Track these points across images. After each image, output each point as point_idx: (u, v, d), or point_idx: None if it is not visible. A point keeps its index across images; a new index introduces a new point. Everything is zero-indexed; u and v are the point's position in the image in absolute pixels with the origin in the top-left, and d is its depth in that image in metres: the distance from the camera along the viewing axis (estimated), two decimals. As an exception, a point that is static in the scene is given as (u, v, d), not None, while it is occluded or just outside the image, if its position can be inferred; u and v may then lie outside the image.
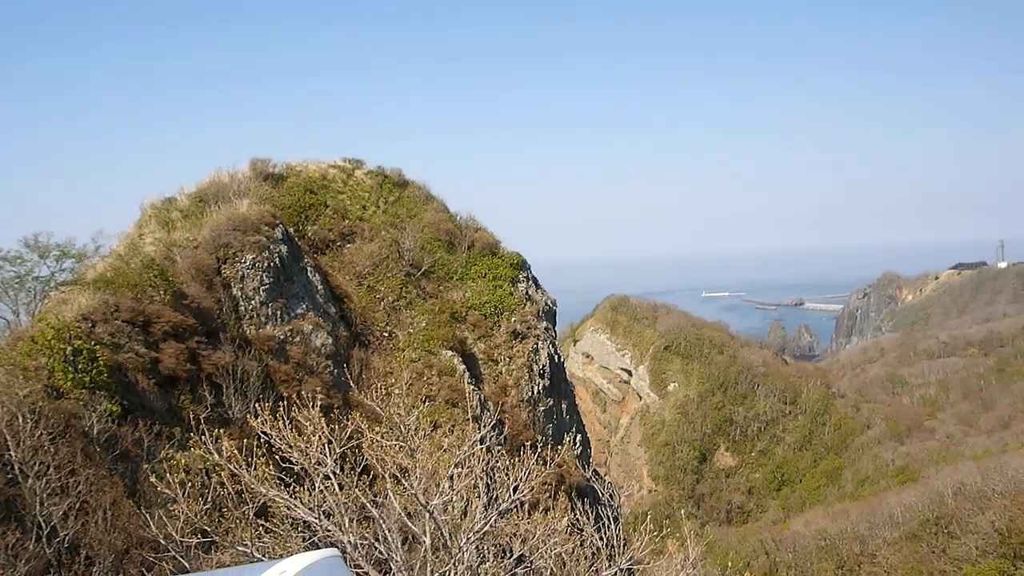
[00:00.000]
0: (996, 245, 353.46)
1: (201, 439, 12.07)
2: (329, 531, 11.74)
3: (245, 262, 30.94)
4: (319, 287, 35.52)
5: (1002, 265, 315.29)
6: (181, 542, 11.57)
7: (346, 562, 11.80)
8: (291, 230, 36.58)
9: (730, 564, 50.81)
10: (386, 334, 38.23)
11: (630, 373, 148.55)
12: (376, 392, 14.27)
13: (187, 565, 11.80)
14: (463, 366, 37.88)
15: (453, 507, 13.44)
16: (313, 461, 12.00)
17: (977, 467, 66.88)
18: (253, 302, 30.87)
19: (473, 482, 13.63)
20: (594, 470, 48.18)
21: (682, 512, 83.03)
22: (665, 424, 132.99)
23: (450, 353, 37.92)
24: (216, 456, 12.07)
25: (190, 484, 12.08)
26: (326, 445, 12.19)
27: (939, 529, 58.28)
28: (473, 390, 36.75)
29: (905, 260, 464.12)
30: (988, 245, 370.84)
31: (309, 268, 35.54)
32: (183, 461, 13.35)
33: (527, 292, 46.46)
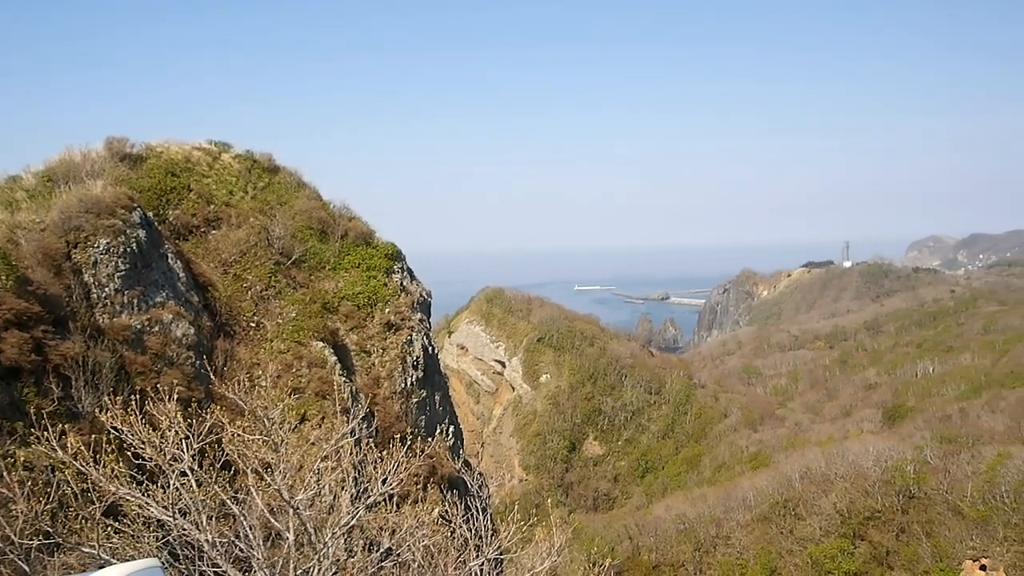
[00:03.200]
0: (842, 245, 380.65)
1: (44, 434, 11.28)
2: (185, 530, 11.22)
3: (98, 247, 29.04)
4: (181, 275, 33.84)
5: (847, 264, 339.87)
6: (21, 544, 10.76)
7: (200, 561, 11.35)
8: (150, 214, 34.63)
9: (595, 550, 52.44)
10: (253, 324, 36.90)
11: (504, 364, 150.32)
12: (240, 384, 13.76)
13: (27, 569, 10.99)
14: (334, 357, 37.09)
15: (321, 501, 13.15)
16: (168, 457, 11.43)
17: (822, 452, 71.89)
18: (107, 289, 29.03)
19: (341, 475, 13.41)
20: (465, 461, 48.41)
21: (549, 501, 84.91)
22: (537, 414, 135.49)
23: (321, 344, 37.05)
24: (60, 452, 11.31)
25: (31, 482, 11.27)
26: (183, 440, 11.64)
27: (787, 511, 62.26)
28: (344, 382, 36.08)
29: (762, 258, 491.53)
30: (835, 245, 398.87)
31: (170, 255, 33.80)
32: (23, 458, 12.43)
33: (401, 283, 46.02)
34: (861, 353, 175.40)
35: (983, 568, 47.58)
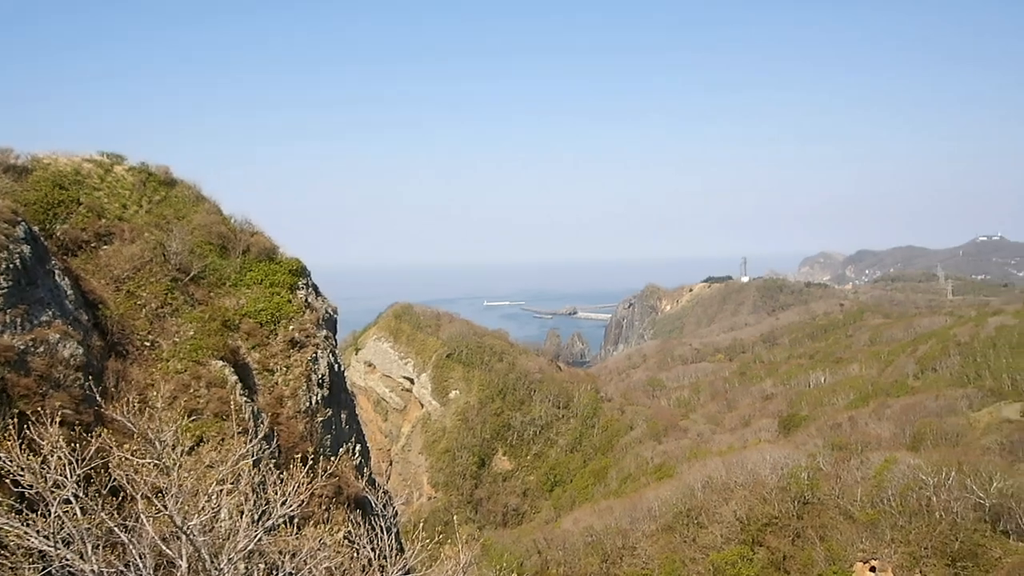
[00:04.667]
0: (740, 261, 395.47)
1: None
2: (68, 560, 10.66)
3: (-23, 263, 27.41)
4: (69, 292, 32.21)
5: (745, 279, 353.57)
6: None
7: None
8: (36, 229, 32.90)
9: (504, 565, 52.43)
10: (148, 343, 35.43)
11: (412, 381, 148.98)
12: (130, 406, 13.20)
13: None
14: (235, 377, 36.00)
15: (218, 526, 12.72)
16: (50, 483, 10.85)
17: (722, 462, 74.06)
18: (-13, 308, 27.38)
19: (239, 499, 13.02)
20: (372, 480, 47.70)
21: (455, 517, 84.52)
22: (446, 431, 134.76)
23: (221, 363, 35.90)
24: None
25: None
26: (67, 465, 11.08)
27: (690, 520, 63.86)
28: (245, 402, 35.07)
29: (665, 273, 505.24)
30: (734, 261, 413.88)
31: (57, 271, 32.15)
32: None
33: (306, 299, 45.14)
34: (759, 365, 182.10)
35: (873, 570, 50.01)
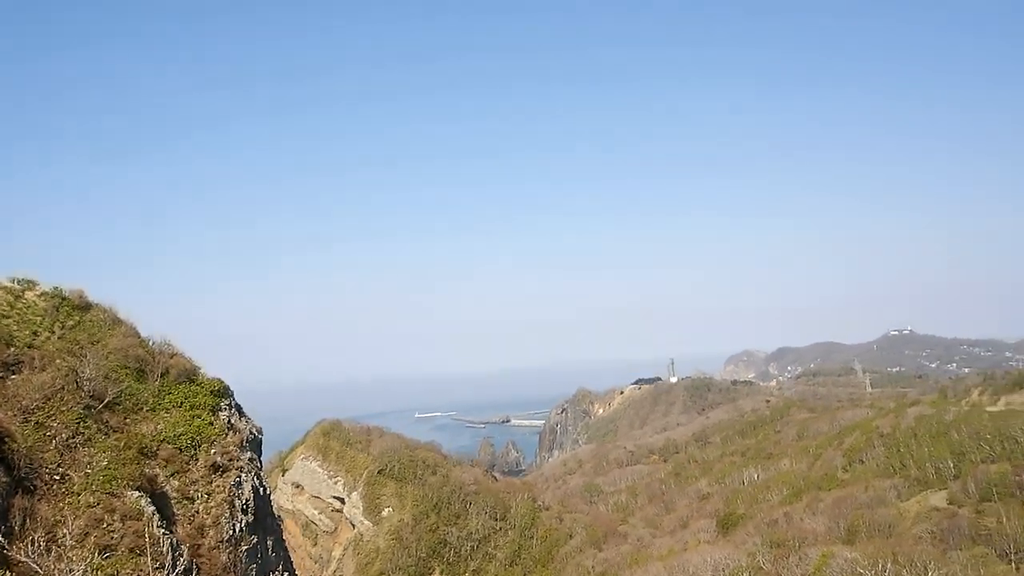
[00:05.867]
0: (668, 362, 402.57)
1: None
2: None
3: None
4: (-29, 425, 30.45)
5: (673, 380, 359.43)
6: None
7: None
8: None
9: None
10: (58, 476, 33.44)
11: (343, 501, 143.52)
12: (36, 546, 12.36)
13: None
14: (152, 507, 34.13)
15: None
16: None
17: (664, 567, 73.01)
18: None
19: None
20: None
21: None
22: (380, 552, 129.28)
23: (137, 494, 34.06)
24: None
25: None
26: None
27: (635, 630, 62.12)
28: (163, 534, 33.16)
29: (596, 377, 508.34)
30: (661, 362, 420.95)
31: (-41, 403, 30.45)
32: None
33: (229, 421, 43.71)
34: (693, 464, 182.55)
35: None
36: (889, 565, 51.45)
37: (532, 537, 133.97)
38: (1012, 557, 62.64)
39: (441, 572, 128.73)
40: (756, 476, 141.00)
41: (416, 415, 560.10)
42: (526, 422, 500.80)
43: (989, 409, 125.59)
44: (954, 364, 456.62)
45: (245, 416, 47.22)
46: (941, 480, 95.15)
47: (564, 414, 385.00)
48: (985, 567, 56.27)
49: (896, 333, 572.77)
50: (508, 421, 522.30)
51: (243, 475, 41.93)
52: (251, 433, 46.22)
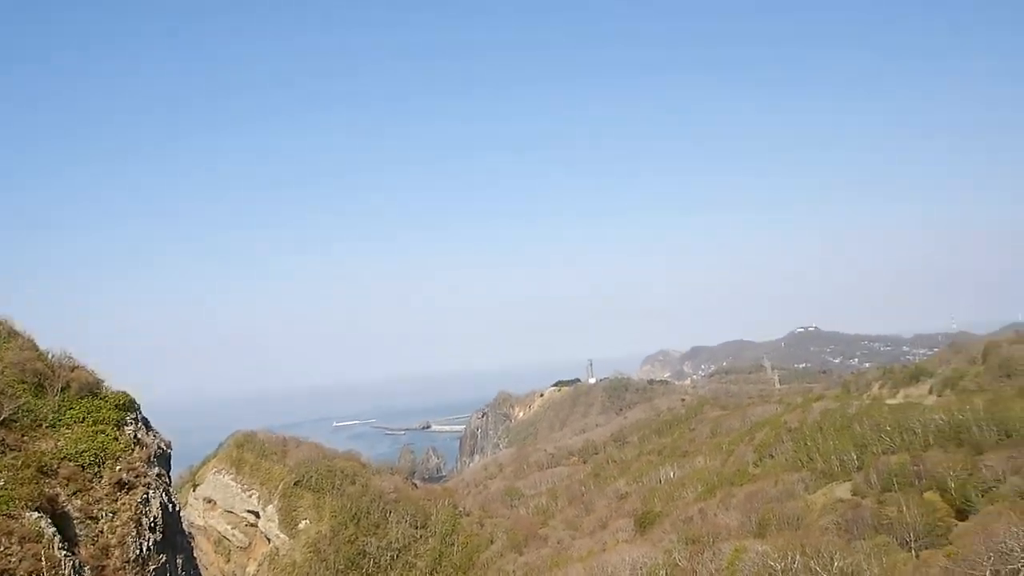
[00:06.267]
0: (586, 363, 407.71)
1: None
2: None
3: None
4: None
5: (592, 381, 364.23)
6: None
7: None
8: None
9: None
10: (-54, 500, 31.52)
11: (258, 515, 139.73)
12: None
13: None
14: (52, 528, 32.52)
15: None
16: None
17: (583, 568, 73.87)
18: None
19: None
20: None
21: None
22: (296, 566, 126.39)
23: (36, 515, 32.40)
24: None
25: None
26: None
27: (556, 632, 62.59)
28: (65, 556, 31.64)
29: (516, 380, 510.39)
30: (580, 363, 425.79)
31: None
32: None
33: (135, 435, 42.06)
34: (611, 465, 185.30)
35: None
36: (798, 557, 53.39)
37: (453, 544, 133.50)
38: (912, 545, 65.99)
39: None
40: (672, 474, 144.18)
41: (334, 424, 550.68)
42: (447, 428, 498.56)
43: (888, 402, 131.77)
44: (856, 359, 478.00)
45: (153, 430, 45.53)
46: (845, 472, 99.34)
47: (485, 418, 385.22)
48: (886, 555, 58.97)
49: (802, 330, 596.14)
50: (429, 427, 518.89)
51: (150, 491, 40.41)
52: (159, 448, 44.59)
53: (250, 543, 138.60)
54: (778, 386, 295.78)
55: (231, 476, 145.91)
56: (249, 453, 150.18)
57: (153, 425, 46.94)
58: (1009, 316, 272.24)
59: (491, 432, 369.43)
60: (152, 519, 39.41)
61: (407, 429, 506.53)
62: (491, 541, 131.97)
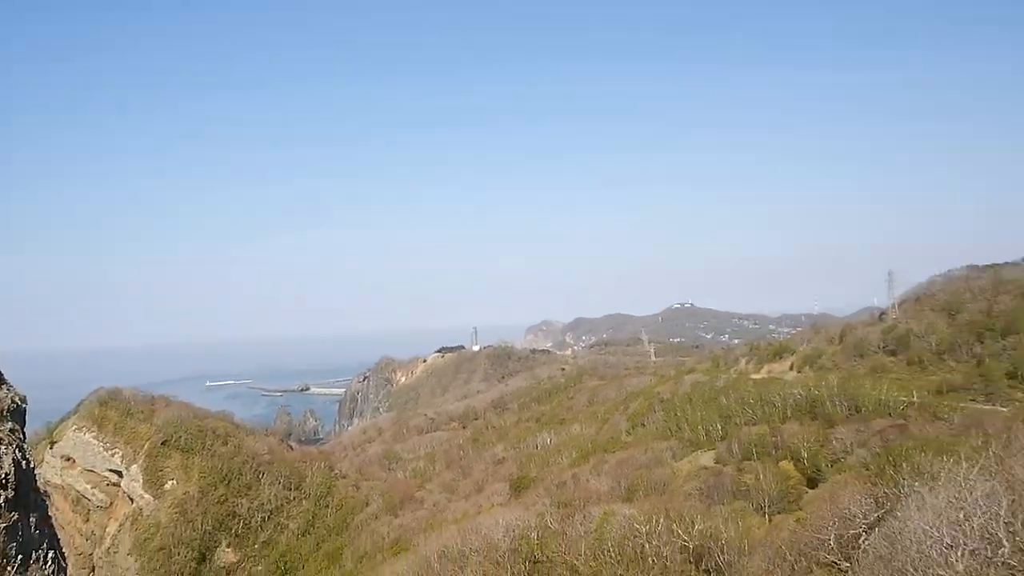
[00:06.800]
0: (471, 331, 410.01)
1: None
2: None
3: None
4: None
5: (476, 348, 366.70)
6: None
7: None
8: None
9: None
10: None
11: (120, 474, 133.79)
12: None
13: None
14: None
15: None
16: None
17: (458, 530, 74.77)
18: None
19: None
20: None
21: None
22: (161, 527, 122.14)
23: None
24: None
25: None
26: None
27: (427, 593, 63.31)
28: (-100, 514, 29.30)
29: (400, 345, 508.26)
30: (465, 331, 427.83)
31: None
32: None
33: (-15, 388, 39.17)
34: (490, 431, 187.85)
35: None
36: (662, 520, 55.89)
37: (327, 506, 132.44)
38: (765, 510, 70.47)
39: (228, 545, 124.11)
40: (549, 441, 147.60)
41: (207, 384, 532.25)
42: (326, 391, 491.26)
43: (753, 376, 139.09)
44: (727, 335, 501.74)
45: (6, 383, 42.52)
46: (710, 441, 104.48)
47: (366, 382, 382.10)
48: (742, 519, 62.59)
49: (679, 306, 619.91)
50: (307, 389, 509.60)
51: (2, 447, 37.86)
52: (12, 402, 41.69)
53: (111, 503, 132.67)
54: (653, 359, 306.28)
55: (93, 434, 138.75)
56: (113, 411, 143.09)
57: (7, 378, 43.89)
58: (866, 300, 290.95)
59: (372, 396, 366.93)
60: (3, 476, 37.00)
61: (284, 391, 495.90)
62: (366, 503, 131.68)
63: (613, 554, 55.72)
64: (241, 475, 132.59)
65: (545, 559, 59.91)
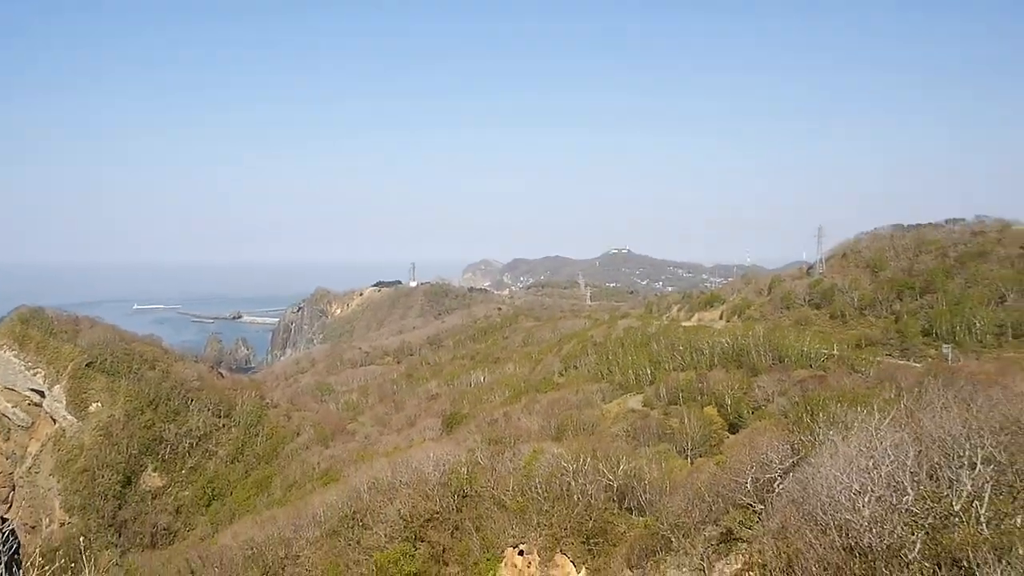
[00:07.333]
0: (409, 267, 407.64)
1: None
2: None
3: None
4: None
5: (413, 284, 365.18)
6: None
7: None
8: None
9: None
10: None
11: (43, 395, 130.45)
12: None
13: None
14: None
15: None
16: None
17: (388, 463, 75.47)
18: None
19: None
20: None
21: (83, 543, 75.67)
22: (84, 448, 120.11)
23: None
24: None
25: None
26: None
27: (355, 522, 64.04)
28: None
29: (335, 277, 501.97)
30: (403, 266, 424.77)
31: None
32: None
33: None
34: (425, 367, 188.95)
35: (521, 553, 54.27)
36: (589, 459, 57.27)
37: (258, 435, 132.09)
38: (688, 453, 72.98)
39: (155, 469, 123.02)
40: (483, 379, 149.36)
41: (135, 306, 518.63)
42: (259, 319, 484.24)
43: (684, 324, 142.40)
44: (661, 282, 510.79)
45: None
46: (639, 385, 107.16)
47: (300, 313, 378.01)
48: (665, 461, 64.74)
49: (616, 252, 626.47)
50: (240, 317, 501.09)
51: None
52: (-75, 315, 39.97)
53: (33, 423, 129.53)
54: (589, 303, 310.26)
55: (13, 353, 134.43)
56: (35, 330, 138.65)
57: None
58: (797, 254, 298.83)
59: (306, 327, 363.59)
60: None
61: (216, 318, 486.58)
62: (297, 433, 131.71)
63: (540, 490, 57.00)
64: (169, 400, 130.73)
65: (474, 493, 61.02)
